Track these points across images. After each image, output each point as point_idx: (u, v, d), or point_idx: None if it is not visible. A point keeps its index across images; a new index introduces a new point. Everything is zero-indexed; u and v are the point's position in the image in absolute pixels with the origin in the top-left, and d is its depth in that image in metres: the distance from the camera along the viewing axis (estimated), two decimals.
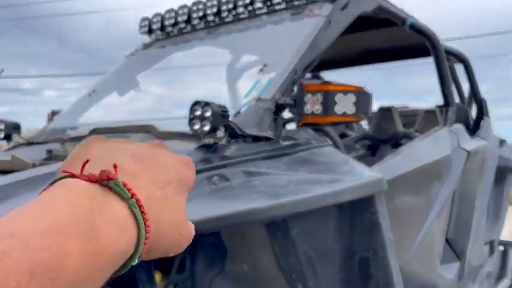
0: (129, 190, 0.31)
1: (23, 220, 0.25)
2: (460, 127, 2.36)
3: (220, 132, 1.20)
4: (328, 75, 3.32)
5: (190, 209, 0.38)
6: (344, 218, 1.23)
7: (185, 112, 1.28)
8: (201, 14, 2.15)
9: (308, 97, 1.30)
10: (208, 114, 1.17)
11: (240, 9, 2.05)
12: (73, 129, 2.02)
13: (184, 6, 2.22)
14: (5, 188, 1.01)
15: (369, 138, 2.91)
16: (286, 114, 1.43)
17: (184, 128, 1.29)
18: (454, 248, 2.14)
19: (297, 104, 1.33)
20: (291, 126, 2.28)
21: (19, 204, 0.27)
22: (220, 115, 1.18)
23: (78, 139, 1.74)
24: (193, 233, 0.38)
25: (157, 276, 1.18)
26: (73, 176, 0.31)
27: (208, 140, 1.21)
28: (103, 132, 1.71)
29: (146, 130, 1.51)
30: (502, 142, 3.04)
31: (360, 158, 2.50)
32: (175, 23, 2.26)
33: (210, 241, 1.26)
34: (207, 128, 1.17)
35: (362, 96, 1.26)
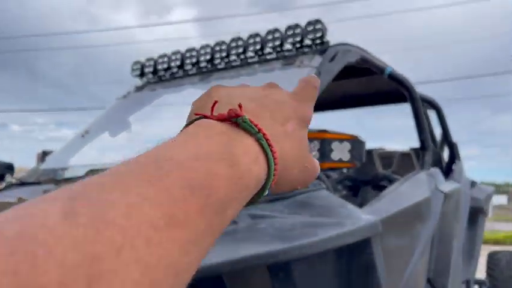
0: (255, 126, 0.33)
1: (175, 149, 0.29)
2: (436, 170, 2.50)
3: None
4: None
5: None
6: (342, 259, 1.29)
7: None
8: (194, 60, 2.25)
9: None
10: None
11: (233, 57, 2.17)
12: (65, 170, 2.03)
13: (178, 52, 2.32)
14: None
15: (350, 179, 3.02)
16: None
17: None
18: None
19: None
20: None
21: None
22: None
23: (74, 180, 1.76)
24: (318, 167, 0.41)
25: None
26: (205, 117, 0.35)
27: None
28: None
29: None
30: (473, 184, 3.21)
31: (343, 199, 2.59)
32: (168, 68, 2.35)
33: (213, 283, 1.29)
34: None
35: (357, 144, 1.36)
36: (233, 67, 2.16)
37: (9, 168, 1.81)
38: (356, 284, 1.30)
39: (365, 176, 2.92)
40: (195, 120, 0.35)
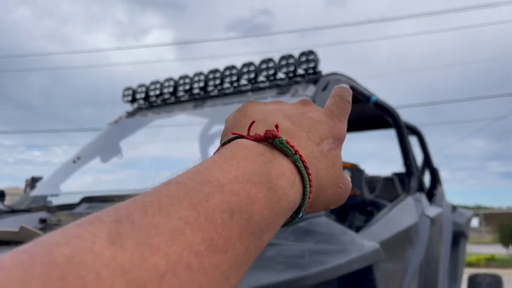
0: (292, 147, 0.33)
1: (214, 170, 0.29)
2: (422, 195, 2.57)
3: None
4: None
5: None
6: (344, 285, 1.32)
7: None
8: (187, 87, 2.27)
9: None
10: None
11: (226, 85, 2.21)
12: (56, 196, 2.00)
13: (171, 79, 2.34)
14: None
15: None
16: None
17: None
18: None
19: None
20: None
21: None
22: None
23: (68, 207, 1.73)
24: (350, 186, 0.40)
25: None
26: (241, 136, 0.34)
27: None
28: (94, 201, 1.72)
29: None
30: (454, 208, 3.30)
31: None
32: (160, 94, 2.37)
33: None
34: None
35: (356, 172, 1.40)
36: (226, 94, 2.20)
37: (0, 195, 1.77)
38: None
39: (353, 201, 2.97)
40: (232, 139, 0.35)
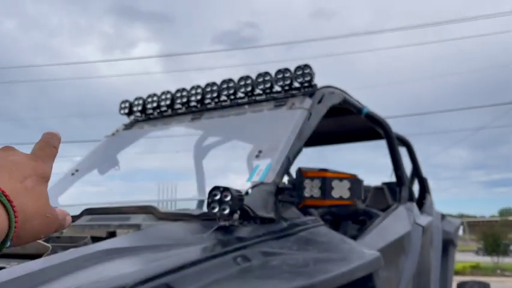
0: None
1: None
2: (413, 204, 2.64)
3: (237, 215, 1.32)
4: None
5: None
6: None
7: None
8: (184, 100, 2.31)
9: (307, 182, 1.47)
10: (227, 198, 1.29)
11: (223, 97, 2.25)
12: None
13: (168, 92, 2.38)
14: (41, 274, 1.03)
15: (331, 214, 3.11)
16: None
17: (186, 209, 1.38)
18: None
19: (296, 188, 1.49)
20: None
21: None
22: (238, 199, 1.31)
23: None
24: (58, 216, 0.46)
25: None
26: None
27: (224, 222, 1.31)
28: (97, 213, 1.74)
29: (148, 211, 1.58)
30: (442, 217, 3.38)
31: None
32: (157, 106, 2.40)
33: None
34: (226, 211, 1.28)
35: (355, 182, 1.45)
36: (223, 107, 2.24)
37: None
38: None
39: (346, 211, 3.02)
40: None
